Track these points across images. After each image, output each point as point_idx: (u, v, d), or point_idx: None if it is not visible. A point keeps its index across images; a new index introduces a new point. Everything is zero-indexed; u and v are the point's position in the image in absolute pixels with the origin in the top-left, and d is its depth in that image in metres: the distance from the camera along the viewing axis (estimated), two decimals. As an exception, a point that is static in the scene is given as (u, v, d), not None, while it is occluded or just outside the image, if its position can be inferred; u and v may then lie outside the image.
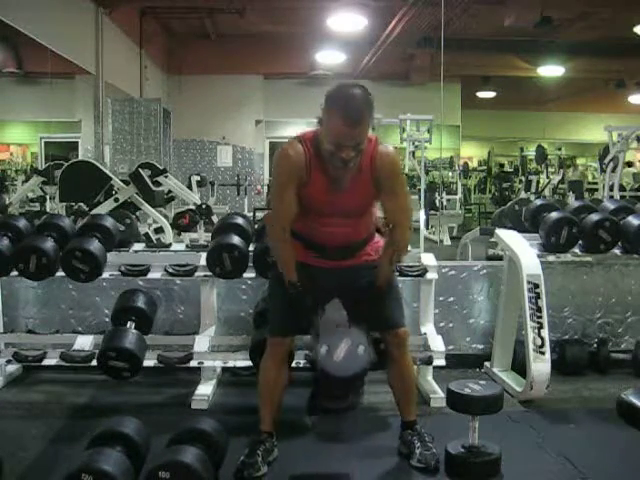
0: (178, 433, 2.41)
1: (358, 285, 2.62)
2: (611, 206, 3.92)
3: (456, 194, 11.03)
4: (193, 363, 3.33)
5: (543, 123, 15.18)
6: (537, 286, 3.35)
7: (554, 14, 8.85)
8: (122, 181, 5.85)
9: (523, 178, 11.81)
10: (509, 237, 3.66)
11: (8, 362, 3.39)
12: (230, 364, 3.40)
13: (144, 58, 10.16)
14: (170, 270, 3.47)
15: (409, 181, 9.81)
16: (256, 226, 3.69)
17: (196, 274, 3.47)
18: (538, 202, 4.09)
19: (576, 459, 2.68)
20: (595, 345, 3.92)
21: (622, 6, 8.45)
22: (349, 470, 2.65)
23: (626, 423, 2.15)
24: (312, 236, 2.59)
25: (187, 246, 4.05)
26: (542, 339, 3.28)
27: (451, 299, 3.95)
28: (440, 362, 3.36)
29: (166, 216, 6.62)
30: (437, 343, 3.38)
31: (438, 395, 3.30)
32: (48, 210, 7.34)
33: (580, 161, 16.16)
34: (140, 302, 3.48)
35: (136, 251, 3.74)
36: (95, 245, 3.34)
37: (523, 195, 10.60)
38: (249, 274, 3.39)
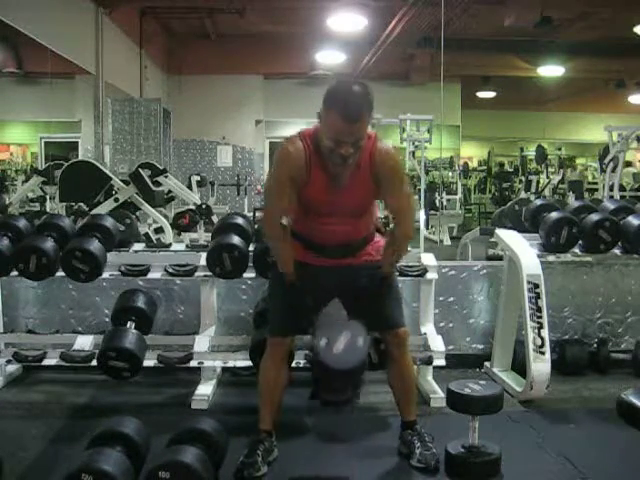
0: (178, 433, 2.41)
1: (358, 284, 2.61)
2: (611, 206, 3.92)
3: (456, 194, 11.02)
4: (193, 363, 3.33)
5: (543, 123, 15.17)
6: (537, 286, 3.35)
7: (554, 14, 8.84)
8: (122, 181, 5.85)
9: (523, 178, 11.81)
10: (509, 237, 3.66)
11: (8, 362, 3.39)
12: (230, 364, 3.40)
13: (144, 58, 10.15)
14: (170, 270, 3.47)
15: (409, 181, 9.77)
16: (256, 226, 3.69)
17: (196, 274, 3.47)
18: (538, 202, 4.09)
19: (576, 459, 2.68)
20: (595, 345, 3.92)
21: (622, 6, 8.45)
22: (349, 470, 2.65)
23: (626, 423, 2.14)
24: (312, 236, 2.59)
25: (187, 246, 4.05)
26: (542, 339, 3.28)
27: (451, 299, 3.95)
28: (440, 362, 3.36)
29: (166, 216, 6.62)
30: (437, 343, 3.38)
31: (438, 395, 3.30)
32: (48, 210, 7.33)
33: (580, 161, 16.14)
34: (140, 302, 3.48)
35: (136, 251, 3.74)
36: (95, 245, 3.34)
37: (523, 195, 10.60)
38: (249, 274, 3.39)
